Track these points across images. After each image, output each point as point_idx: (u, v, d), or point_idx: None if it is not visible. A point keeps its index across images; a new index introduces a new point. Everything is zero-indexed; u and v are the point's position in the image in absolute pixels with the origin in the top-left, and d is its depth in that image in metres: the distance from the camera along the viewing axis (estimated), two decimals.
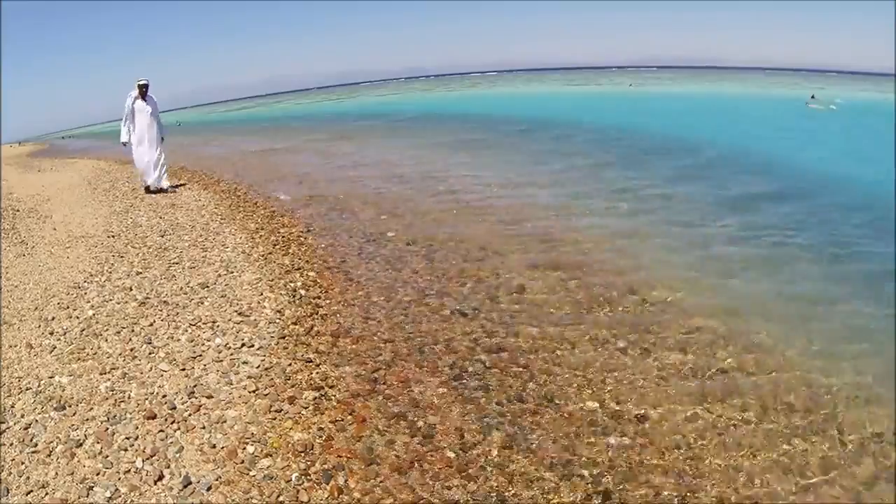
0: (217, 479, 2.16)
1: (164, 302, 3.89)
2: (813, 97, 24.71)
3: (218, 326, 3.45)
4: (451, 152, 11.97)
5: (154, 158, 8.29)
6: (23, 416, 2.58)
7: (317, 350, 3.20)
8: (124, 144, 8.30)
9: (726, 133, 14.03)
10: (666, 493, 2.19)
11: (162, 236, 5.70)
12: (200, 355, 3.10)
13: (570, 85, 57.94)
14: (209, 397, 2.70)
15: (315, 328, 3.48)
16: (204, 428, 2.47)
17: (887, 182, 7.66)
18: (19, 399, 2.72)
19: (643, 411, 2.69)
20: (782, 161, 9.87)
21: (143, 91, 8.07)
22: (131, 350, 3.20)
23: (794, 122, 17.91)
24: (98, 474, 2.19)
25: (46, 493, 2.10)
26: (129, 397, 2.71)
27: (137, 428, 2.47)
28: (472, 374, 2.99)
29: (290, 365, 3.01)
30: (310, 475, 2.20)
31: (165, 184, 8.57)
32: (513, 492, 2.16)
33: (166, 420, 2.52)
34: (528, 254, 4.96)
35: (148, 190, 8.47)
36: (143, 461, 2.26)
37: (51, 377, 2.92)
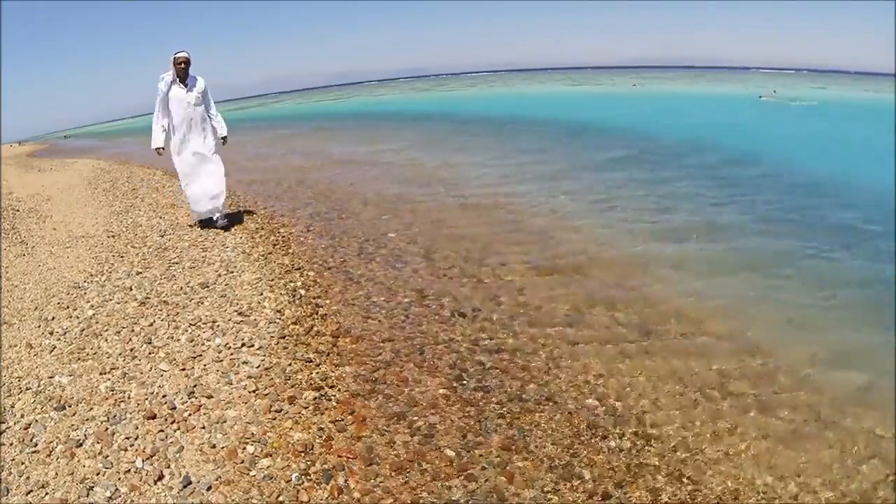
0: (217, 479, 2.16)
1: (164, 302, 3.89)
2: (775, 91, 31.53)
3: (218, 326, 3.45)
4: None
5: (208, 172, 5.51)
6: (23, 415, 2.58)
7: (317, 350, 3.20)
8: (158, 152, 5.47)
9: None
10: (666, 494, 2.19)
11: (162, 236, 5.70)
12: (200, 355, 3.10)
13: (574, 85, 57.95)
14: (209, 397, 2.70)
15: (315, 328, 3.48)
16: (204, 428, 2.47)
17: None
18: (19, 399, 2.72)
19: (643, 412, 2.69)
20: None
21: (183, 70, 5.29)
22: (131, 350, 3.19)
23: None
24: (98, 474, 2.19)
25: (46, 493, 2.10)
26: (128, 397, 2.71)
27: (137, 428, 2.47)
28: (472, 375, 2.99)
29: (290, 365, 3.00)
30: (310, 475, 2.20)
31: (219, 213, 5.73)
32: (513, 492, 2.17)
33: (166, 420, 2.52)
34: (528, 254, 4.97)
35: (202, 224, 5.81)
36: (143, 461, 2.26)
37: (51, 377, 2.92)
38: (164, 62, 5.44)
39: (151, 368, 2.98)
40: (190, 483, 2.15)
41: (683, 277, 4.44)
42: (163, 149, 5.48)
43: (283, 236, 5.60)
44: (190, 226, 5.88)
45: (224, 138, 5.67)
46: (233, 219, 6.09)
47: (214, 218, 5.74)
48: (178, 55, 5.27)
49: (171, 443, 2.37)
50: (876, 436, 2.53)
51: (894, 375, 2.94)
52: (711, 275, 4.48)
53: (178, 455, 2.30)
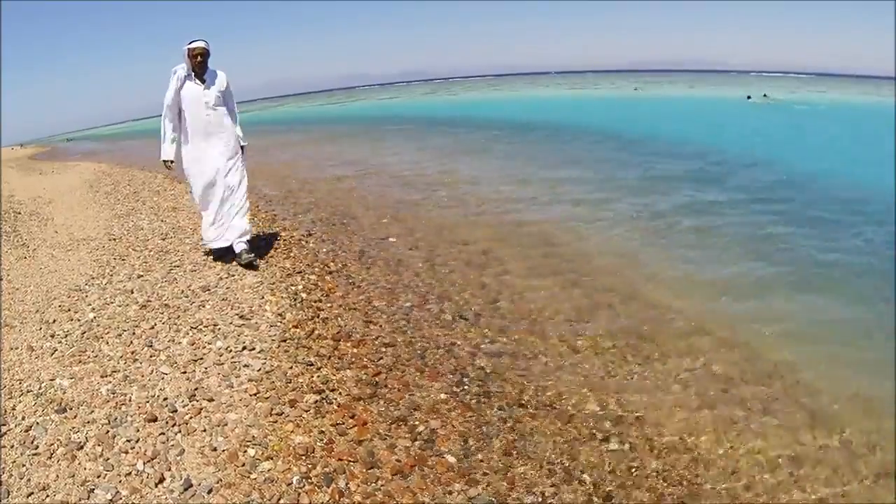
0: (218, 482, 2.16)
1: (166, 305, 3.89)
2: (765, 95, 32.97)
3: (219, 329, 3.45)
4: None
5: (224, 188, 4.50)
6: (24, 418, 2.58)
7: (318, 353, 3.20)
8: (167, 165, 4.47)
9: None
10: (667, 497, 2.19)
11: (163, 239, 5.71)
12: (201, 358, 3.10)
13: (576, 88, 58.04)
14: (210, 400, 2.70)
15: (316, 331, 3.48)
16: (205, 431, 2.47)
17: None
18: (20, 401, 2.72)
19: (644, 415, 2.69)
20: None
21: (200, 63, 4.23)
22: (132, 353, 3.20)
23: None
24: (99, 477, 2.19)
25: (47, 496, 2.10)
26: (130, 400, 2.71)
27: (138, 431, 2.47)
28: (474, 379, 2.99)
29: (291, 368, 3.01)
30: (311, 478, 2.20)
31: (241, 240, 4.57)
32: (514, 496, 2.16)
33: (167, 423, 2.52)
34: (529, 258, 4.97)
35: (218, 255, 4.75)
36: (143, 464, 2.26)
37: (52, 380, 2.92)
38: (165, 64, 4.58)
39: (152, 371, 2.98)
40: (191, 486, 2.15)
41: (683, 279, 4.44)
42: (172, 162, 4.46)
43: (284, 240, 5.61)
44: (205, 252, 4.95)
45: (242, 147, 4.67)
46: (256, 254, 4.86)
47: (235, 245, 4.58)
48: (193, 45, 4.17)
49: (172, 446, 2.37)
50: (877, 433, 2.54)
51: (894, 373, 2.95)
52: (713, 277, 4.48)
53: (179, 458, 2.30)
